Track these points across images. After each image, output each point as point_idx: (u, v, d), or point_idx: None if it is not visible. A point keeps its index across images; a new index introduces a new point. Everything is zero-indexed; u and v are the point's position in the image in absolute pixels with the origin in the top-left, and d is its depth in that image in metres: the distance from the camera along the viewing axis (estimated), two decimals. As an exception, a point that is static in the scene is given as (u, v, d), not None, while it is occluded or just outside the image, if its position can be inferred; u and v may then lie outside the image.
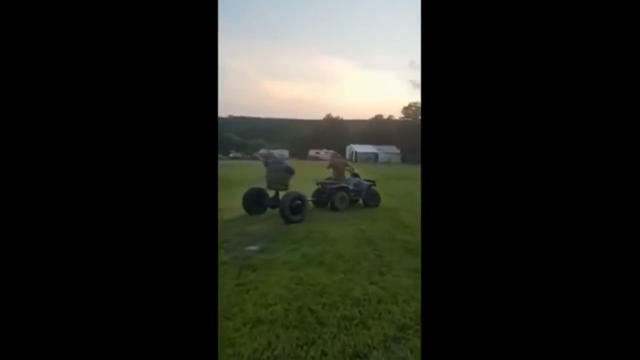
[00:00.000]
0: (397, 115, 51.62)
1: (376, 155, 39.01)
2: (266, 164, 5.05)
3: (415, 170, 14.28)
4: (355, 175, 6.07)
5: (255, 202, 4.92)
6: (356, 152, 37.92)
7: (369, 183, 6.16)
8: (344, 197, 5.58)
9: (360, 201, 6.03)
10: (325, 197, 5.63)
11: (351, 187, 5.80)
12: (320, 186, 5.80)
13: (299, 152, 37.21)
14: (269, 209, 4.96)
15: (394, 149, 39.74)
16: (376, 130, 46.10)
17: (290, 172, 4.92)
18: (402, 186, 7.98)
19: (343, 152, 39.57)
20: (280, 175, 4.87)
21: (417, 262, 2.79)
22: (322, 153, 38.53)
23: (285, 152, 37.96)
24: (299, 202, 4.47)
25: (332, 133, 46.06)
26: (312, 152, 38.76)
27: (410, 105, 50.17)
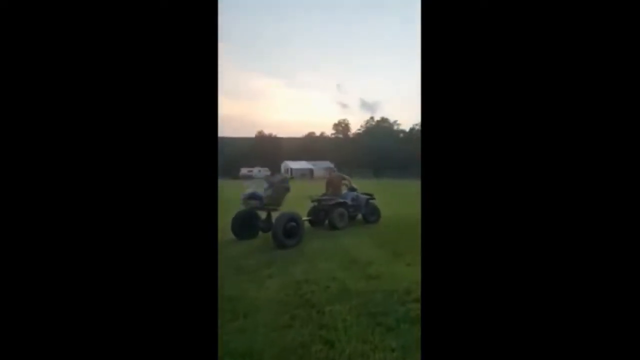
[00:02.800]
0: (329, 132, 53.32)
1: (311, 170, 38.86)
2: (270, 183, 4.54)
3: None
4: (352, 189, 5.59)
5: (245, 225, 4.43)
6: (291, 169, 36.98)
7: (367, 197, 5.67)
8: (342, 213, 5.12)
9: (359, 217, 5.59)
10: (323, 215, 5.21)
11: (349, 202, 5.30)
12: (316, 203, 5.31)
13: (230, 170, 34.05)
14: (261, 233, 4.48)
15: (328, 164, 40.34)
16: (309, 146, 46.35)
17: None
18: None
19: (278, 169, 38.17)
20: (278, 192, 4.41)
21: (395, 341, 1.62)
22: (255, 171, 36.40)
23: (214, 172, 34.49)
24: (293, 224, 4.03)
25: (265, 150, 44.32)
26: (244, 171, 36.25)
27: (340, 122, 52.68)
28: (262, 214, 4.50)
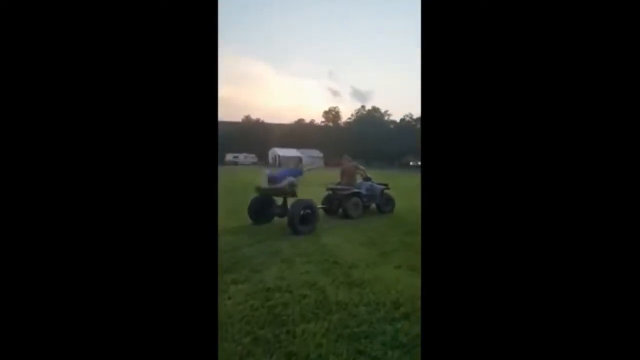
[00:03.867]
0: (318, 119, 52.36)
1: (300, 159, 38.23)
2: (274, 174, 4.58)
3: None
4: (367, 179, 5.58)
5: (261, 210, 4.52)
6: (279, 156, 36.18)
7: (381, 187, 5.58)
8: (357, 203, 5.12)
9: (373, 206, 5.57)
10: (337, 204, 5.24)
11: (364, 191, 5.34)
12: (330, 192, 5.35)
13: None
14: (276, 218, 4.56)
15: (316, 153, 39.74)
16: (298, 133, 45.43)
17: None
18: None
19: (265, 156, 37.30)
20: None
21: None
22: (242, 157, 35.46)
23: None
24: (308, 211, 4.07)
25: (252, 136, 43.05)
26: (229, 157, 35.14)
27: (330, 110, 51.75)
28: (279, 200, 4.54)
